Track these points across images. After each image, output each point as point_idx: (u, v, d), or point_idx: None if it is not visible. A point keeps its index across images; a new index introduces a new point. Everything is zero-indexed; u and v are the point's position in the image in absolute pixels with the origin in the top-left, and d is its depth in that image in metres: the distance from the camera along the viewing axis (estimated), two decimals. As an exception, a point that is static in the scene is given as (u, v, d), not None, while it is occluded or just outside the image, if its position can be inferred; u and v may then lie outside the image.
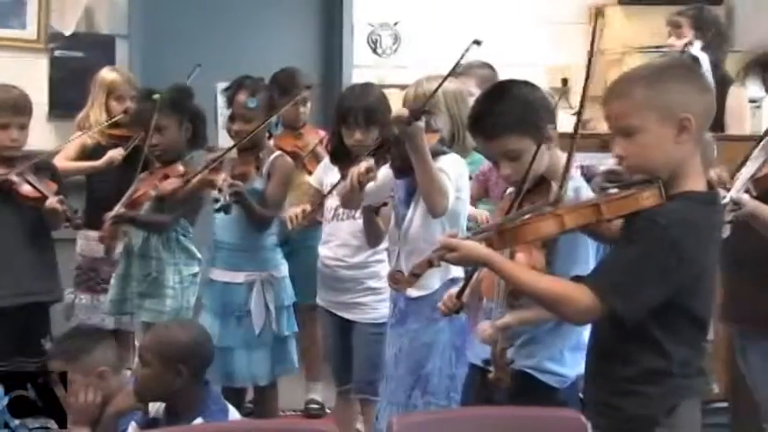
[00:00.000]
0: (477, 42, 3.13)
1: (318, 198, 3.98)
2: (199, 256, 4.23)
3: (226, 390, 3.97)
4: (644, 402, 2.32)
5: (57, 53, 5.84)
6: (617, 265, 2.30)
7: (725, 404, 4.28)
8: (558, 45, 6.29)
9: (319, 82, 6.11)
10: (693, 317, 2.33)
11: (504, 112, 2.73)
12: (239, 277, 4.08)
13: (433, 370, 3.36)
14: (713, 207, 2.36)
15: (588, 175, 3.34)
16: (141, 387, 3.23)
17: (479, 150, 3.44)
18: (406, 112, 3.15)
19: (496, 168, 2.85)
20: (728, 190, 3.06)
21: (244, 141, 4.04)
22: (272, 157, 4.14)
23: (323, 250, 4.06)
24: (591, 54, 2.66)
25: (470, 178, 3.66)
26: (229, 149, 4.03)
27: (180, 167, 4.15)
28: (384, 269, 3.74)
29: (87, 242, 4.71)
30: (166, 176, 4.11)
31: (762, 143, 3.25)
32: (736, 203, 3.05)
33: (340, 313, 4.02)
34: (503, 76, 3.73)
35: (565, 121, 3.60)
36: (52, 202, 3.94)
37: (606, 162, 2.87)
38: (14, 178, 3.97)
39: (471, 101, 3.30)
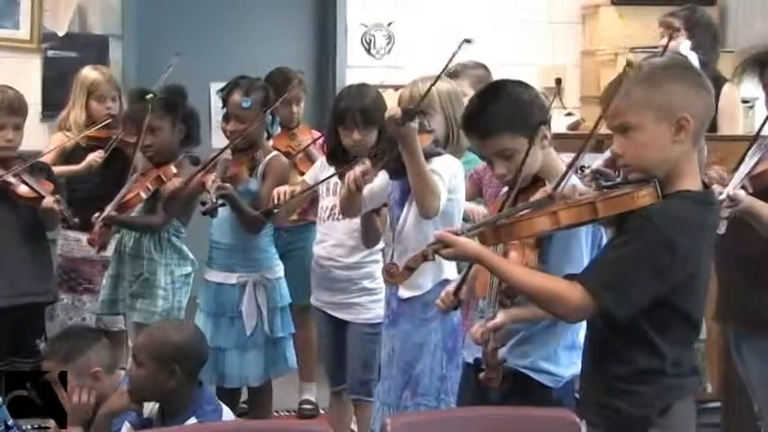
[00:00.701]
0: (468, 41, 3.14)
1: (306, 186, 3.97)
2: (191, 256, 4.22)
3: (220, 390, 3.97)
4: (638, 402, 2.33)
5: (50, 53, 5.83)
6: (610, 263, 2.30)
7: (718, 404, 4.28)
8: (552, 45, 6.31)
9: (313, 82, 6.13)
10: (687, 316, 2.33)
11: (498, 111, 2.74)
12: (232, 278, 4.08)
13: (423, 370, 3.36)
14: (708, 206, 2.37)
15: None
16: (135, 387, 3.22)
17: (474, 150, 3.44)
18: (399, 112, 3.15)
19: (491, 168, 2.85)
20: (725, 187, 3.07)
21: (237, 140, 4.04)
22: (268, 157, 4.14)
23: (317, 250, 4.04)
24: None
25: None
26: (224, 149, 4.02)
27: (173, 168, 4.13)
28: (379, 270, 3.73)
29: (67, 242, 4.67)
30: (159, 178, 4.09)
31: (758, 141, 3.26)
32: (733, 200, 3.05)
33: (334, 313, 4.01)
34: (497, 76, 3.73)
35: (559, 122, 3.60)
36: (49, 201, 3.94)
37: (595, 162, 2.88)
38: (11, 179, 3.96)
39: (466, 101, 3.31)
